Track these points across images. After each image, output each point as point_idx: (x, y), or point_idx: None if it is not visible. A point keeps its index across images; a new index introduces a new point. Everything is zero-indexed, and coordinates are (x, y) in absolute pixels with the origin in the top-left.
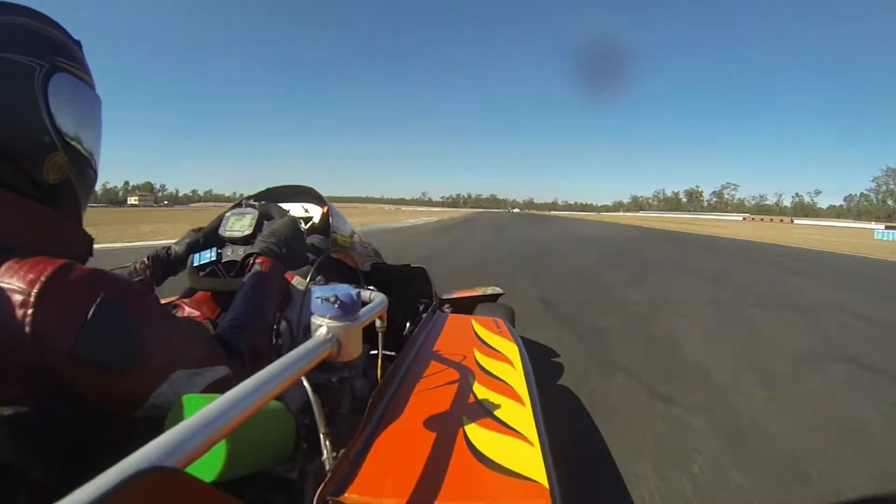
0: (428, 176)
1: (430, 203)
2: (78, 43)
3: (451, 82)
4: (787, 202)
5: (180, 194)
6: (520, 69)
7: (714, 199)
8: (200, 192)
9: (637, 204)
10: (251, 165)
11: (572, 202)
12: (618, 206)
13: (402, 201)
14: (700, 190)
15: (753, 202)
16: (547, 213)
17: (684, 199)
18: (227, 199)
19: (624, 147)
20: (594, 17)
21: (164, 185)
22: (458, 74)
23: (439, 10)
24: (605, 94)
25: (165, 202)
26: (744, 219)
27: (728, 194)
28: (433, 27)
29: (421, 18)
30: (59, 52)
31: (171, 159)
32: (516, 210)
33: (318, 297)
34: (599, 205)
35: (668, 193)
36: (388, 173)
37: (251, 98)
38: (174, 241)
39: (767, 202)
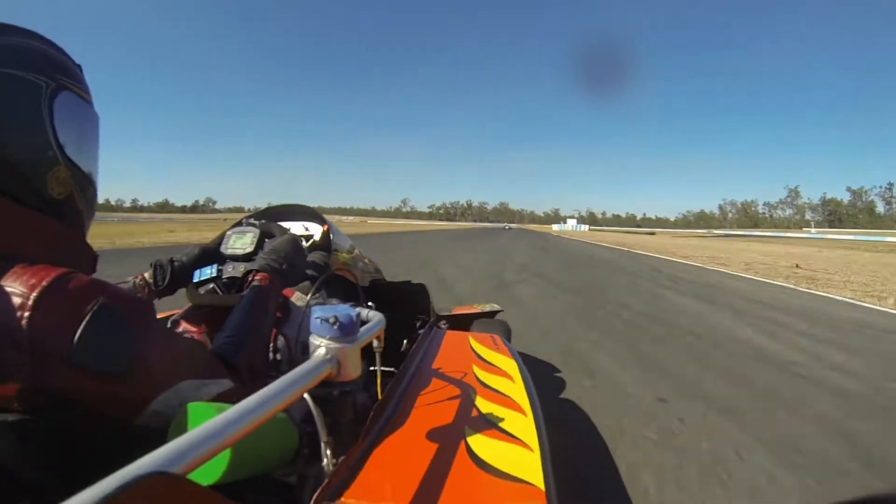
0: (421, 183)
1: (410, 215)
2: (79, 66)
3: (446, 74)
4: None
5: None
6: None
7: None
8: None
9: (749, 216)
10: (191, 174)
11: (612, 215)
12: (684, 222)
13: (372, 212)
14: None
15: None
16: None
17: (882, 205)
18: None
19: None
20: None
21: None
22: (458, 66)
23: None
24: (642, 87)
25: None
26: None
27: None
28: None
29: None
30: (63, 73)
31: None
32: (575, 223)
33: (317, 318)
34: (640, 217)
35: (816, 198)
36: (364, 180)
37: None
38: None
39: None
